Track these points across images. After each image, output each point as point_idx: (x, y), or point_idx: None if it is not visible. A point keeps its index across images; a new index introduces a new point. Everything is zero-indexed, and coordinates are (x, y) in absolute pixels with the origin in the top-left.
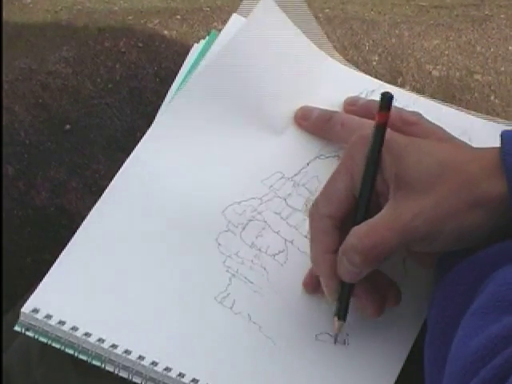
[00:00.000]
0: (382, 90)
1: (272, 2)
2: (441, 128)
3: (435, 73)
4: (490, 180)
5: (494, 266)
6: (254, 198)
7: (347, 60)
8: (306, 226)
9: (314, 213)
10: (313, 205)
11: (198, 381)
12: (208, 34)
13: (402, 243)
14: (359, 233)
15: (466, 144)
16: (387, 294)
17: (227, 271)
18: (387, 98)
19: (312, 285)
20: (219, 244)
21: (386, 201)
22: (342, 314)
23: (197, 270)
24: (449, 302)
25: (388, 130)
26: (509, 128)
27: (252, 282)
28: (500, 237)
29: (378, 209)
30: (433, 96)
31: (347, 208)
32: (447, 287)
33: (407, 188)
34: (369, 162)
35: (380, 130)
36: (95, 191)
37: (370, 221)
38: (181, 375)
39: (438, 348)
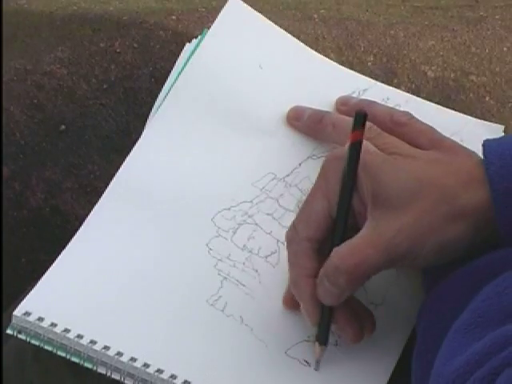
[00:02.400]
0: (374, 89)
1: (240, 1)
2: (432, 128)
3: (430, 73)
4: (467, 192)
5: (482, 279)
6: (244, 202)
7: (342, 61)
8: None
9: (293, 236)
10: (290, 228)
11: (189, 382)
12: (201, 33)
13: (385, 261)
14: (341, 253)
15: (453, 145)
16: (364, 321)
17: (219, 274)
18: (361, 117)
19: (292, 302)
20: (210, 249)
21: (364, 220)
22: (322, 338)
23: (188, 274)
24: (436, 317)
25: (363, 151)
26: (499, 128)
27: (244, 285)
28: (486, 246)
29: (356, 229)
30: (428, 96)
31: (325, 230)
32: (435, 302)
33: (385, 205)
34: (345, 182)
35: (355, 149)
36: (90, 192)
37: (351, 241)
38: (173, 377)
39: (425, 360)
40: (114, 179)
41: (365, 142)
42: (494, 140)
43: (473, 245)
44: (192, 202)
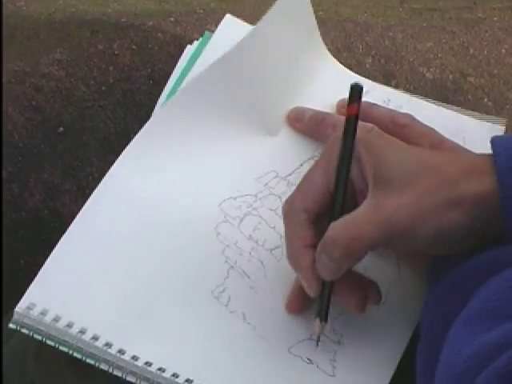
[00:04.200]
0: (376, 91)
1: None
2: (433, 129)
3: (429, 75)
4: (468, 181)
5: (485, 275)
6: (249, 195)
7: (340, 62)
8: None
9: (289, 208)
10: (286, 201)
11: (192, 381)
12: (201, 36)
13: (381, 237)
14: (338, 226)
15: (454, 147)
16: (368, 291)
17: (226, 262)
18: (357, 90)
19: (297, 305)
20: (218, 233)
21: (364, 199)
22: (322, 314)
23: (196, 262)
24: (440, 311)
25: (368, 133)
26: (501, 126)
27: (249, 277)
28: (489, 241)
29: (356, 207)
30: (426, 98)
31: (323, 203)
32: (439, 296)
33: (386, 185)
34: (342, 156)
35: (351, 123)
36: (89, 194)
37: (349, 215)
38: (175, 375)
39: (428, 356)
40: (117, 161)
41: (371, 125)
42: (502, 136)
43: (470, 235)
44: (199, 190)
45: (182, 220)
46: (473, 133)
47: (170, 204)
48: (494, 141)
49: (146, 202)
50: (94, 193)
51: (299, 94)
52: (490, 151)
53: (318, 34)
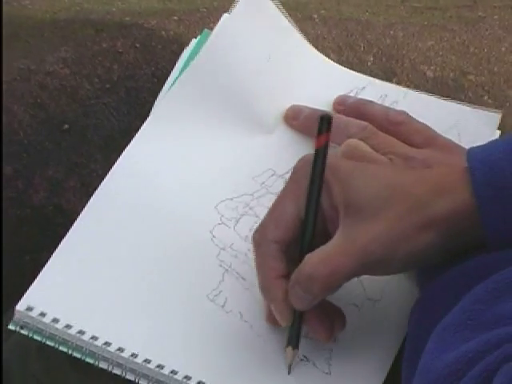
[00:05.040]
0: (372, 87)
1: None
2: (427, 126)
3: (429, 73)
4: (438, 201)
5: (472, 281)
6: (245, 195)
7: (342, 60)
8: None
9: (261, 238)
10: (257, 230)
11: (190, 377)
12: (201, 33)
13: (358, 269)
14: (314, 261)
15: (447, 144)
16: (334, 319)
17: (220, 266)
18: (326, 121)
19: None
20: (213, 236)
21: (335, 227)
22: (294, 342)
23: (190, 265)
24: (426, 317)
25: (333, 156)
26: (496, 116)
27: (244, 279)
28: (478, 248)
29: (326, 234)
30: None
31: (294, 233)
32: (425, 302)
33: (357, 213)
34: (312, 186)
35: (321, 153)
36: (92, 190)
37: (324, 248)
38: (173, 372)
39: (414, 364)
40: (116, 164)
41: (333, 151)
42: (479, 147)
43: (443, 252)
44: (195, 191)
45: (178, 224)
46: (469, 123)
47: (166, 208)
48: (470, 153)
49: (142, 207)
50: (90, 201)
51: (291, 92)
52: (486, 139)
53: (296, 34)
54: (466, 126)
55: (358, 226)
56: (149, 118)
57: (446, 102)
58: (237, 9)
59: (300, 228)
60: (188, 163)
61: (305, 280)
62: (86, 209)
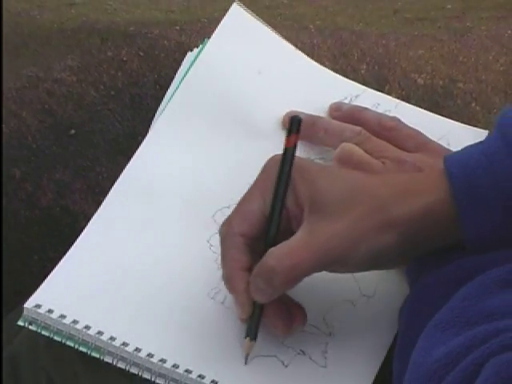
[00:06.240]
0: (366, 95)
1: (241, 9)
2: (419, 132)
3: (420, 81)
4: (398, 204)
5: (462, 279)
6: None
7: (336, 69)
8: None
9: (227, 231)
10: (224, 223)
11: (191, 371)
12: (202, 42)
13: (318, 264)
14: (277, 254)
15: (438, 149)
16: (294, 313)
17: (219, 268)
18: (296, 122)
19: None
20: (211, 245)
21: (299, 224)
22: (252, 334)
23: (190, 269)
24: (415, 314)
25: (301, 158)
26: (484, 133)
27: None
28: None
29: (290, 231)
30: (417, 103)
31: (259, 227)
32: (414, 299)
33: (321, 211)
34: (279, 185)
35: (289, 153)
36: (98, 192)
37: (287, 242)
38: (175, 366)
39: (405, 360)
40: (120, 178)
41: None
42: (455, 153)
43: (402, 254)
44: (193, 201)
45: (179, 230)
46: (458, 136)
47: (167, 215)
48: (446, 159)
49: (145, 213)
50: (90, 224)
51: (287, 99)
52: None
53: (286, 44)
54: (455, 138)
55: (322, 223)
56: (149, 132)
57: (435, 115)
58: (220, 29)
59: (265, 224)
60: (187, 173)
61: (267, 272)
62: (95, 216)
